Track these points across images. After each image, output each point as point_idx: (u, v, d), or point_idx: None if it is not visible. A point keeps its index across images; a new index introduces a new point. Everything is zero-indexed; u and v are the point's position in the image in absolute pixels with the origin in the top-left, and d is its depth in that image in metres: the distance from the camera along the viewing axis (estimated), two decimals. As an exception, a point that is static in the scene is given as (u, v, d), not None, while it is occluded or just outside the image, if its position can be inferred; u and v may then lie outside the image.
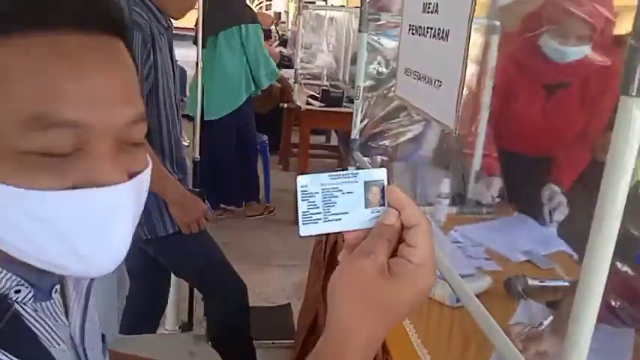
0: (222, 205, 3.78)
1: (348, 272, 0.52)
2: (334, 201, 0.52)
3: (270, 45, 5.51)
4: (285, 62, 5.39)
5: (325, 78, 4.59)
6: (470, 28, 0.93)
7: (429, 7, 1.12)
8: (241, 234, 3.57)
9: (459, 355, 1.17)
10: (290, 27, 7.32)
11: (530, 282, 1.33)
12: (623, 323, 1.10)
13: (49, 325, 0.55)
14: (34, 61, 0.45)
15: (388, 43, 2.09)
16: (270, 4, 9.16)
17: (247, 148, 3.74)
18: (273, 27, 6.85)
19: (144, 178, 0.53)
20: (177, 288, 2.23)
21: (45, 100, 0.45)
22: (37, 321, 0.54)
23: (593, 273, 0.60)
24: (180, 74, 1.79)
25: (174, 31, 1.65)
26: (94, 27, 0.48)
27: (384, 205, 0.53)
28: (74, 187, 0.47)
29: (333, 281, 0.52)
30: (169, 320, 2.30)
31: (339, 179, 0.52)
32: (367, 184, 0.53)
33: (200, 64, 2.45)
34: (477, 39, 1.79)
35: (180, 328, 2.35)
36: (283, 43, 6.70)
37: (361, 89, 1.62)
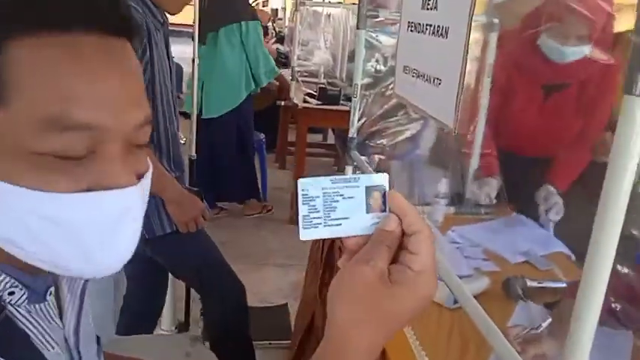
0: (218, 204, 3.77)
1: (347, 278, 0.51)
2: (335, 206, 0.52)
3: (267, 42, 5.49)
4: (282, 59, 5.37)
5: (322, 75, 4.58)
6: (470, 25, 0.92)
7: (428, 4, 1.11)
8: (239, 233, 3.55)
9: (457, 357, 1.16)
10: (287, 24, 7.30)
11: (529, 283, 1.32)
12: (622, 325, 1.09)
13: (43, 328, 0.55)
14: (48, 62, 0.46)
15: (386, 41, 2.08)
16: (268, 1, 9.14)
17: (247, 146, 3.73)
18: (270, 24, 6.83)
19: (148, 179, 0.54)
20: (173, 288, 2.22)
21: (59, 102, 0.46)
22: (30, 323, 0.54)
23: (595, 273, 0.59)
24: (176, 71, 1.77)
25: (170, 27, 1.64)
26: (107, 29, 0.49)
27: (385, 210, 0.53)
28: (88, 190, 0.48)
29: (332, 287, 0.52)
30: (166, 320, 2.29)
31: (340, 184, 0.52)
32: (368, 189, 0.53)
33: (197, 61, 2.43)
34: (475, 37, 1.78)
35: (176, 328, 2.34)
36: (280, 40, 6.68)
37: (359, 87, 1.60)
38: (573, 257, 1.57)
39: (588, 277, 0.60)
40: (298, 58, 4.54)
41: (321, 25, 5.13)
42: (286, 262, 3.22)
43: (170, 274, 2.03)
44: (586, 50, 1.68)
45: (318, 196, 0.52)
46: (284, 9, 8.46)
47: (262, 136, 4.09)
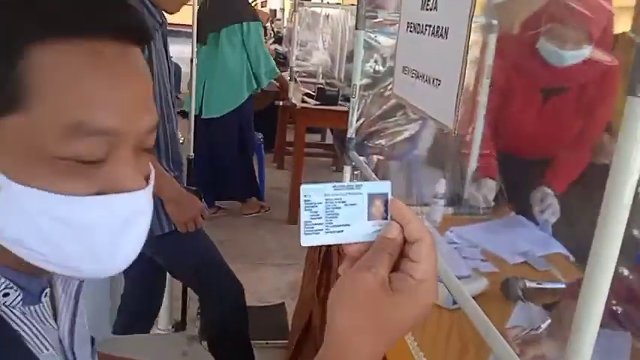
0: (217, 203, 3.77)
1: (348, 285, 0.51)
2: (337, 212, 0.52)
3: (266, 42, 5.49)
4: (281, 60, 5.36)
5: (321, 76, 4.58)
6: (470, 25, 0.91)
7: (427, 4, 1.10)
8: (237, 232, 3.55)
9: (456, 358, 1.16)
10: (285, 24, 7.30)
11: (528, 284, 1.32)
12: (621, 326, 1.09)
13: (37, 329, 0.55)
14: (70, 68, 0.46)
15: (385, 41, 2.07)
16: (266, 1, 9.13)
17: (248, 145, 3.74)
18: (268, 24, 6.83)
19: (153, 181, 0.56)
20: (170, 287, 2.21)
21: (82, 108, 0.46)
22: (25, 324, 0.54)
23: (596, 282, 0.59)
24: (174, 71, 1.77)
25: (169, 27, 1.63)
26: (129, 38, 0.51)
27: (386, 218, 0.53)
28: (99, 193, 0.49)
29: (333, 294, 0.51)
30: (162, 319, 2.28)
31: (342, 190, 0.52)
32: (371, 197, 0.53)
33: (195, 61, 2.43)
34: (474, 38, 1.78)
35: (173, 327, 2.34)
36: (278, 40, 6.68)
37: (357, 87, 1.60)
38: (572, 258, 1.57)
39: (589, 286, 0.59)
40: (297, 59, 4.54)
41: (319, 25, 5.14)
42: (284, 261, 3.22)
43: (168, 274, 2.03)
44: (585, 54, 1.67)
45: (320, 203, 0.51)
46: (282, 9, 8.47)
47: (260, 135, 4.09)
